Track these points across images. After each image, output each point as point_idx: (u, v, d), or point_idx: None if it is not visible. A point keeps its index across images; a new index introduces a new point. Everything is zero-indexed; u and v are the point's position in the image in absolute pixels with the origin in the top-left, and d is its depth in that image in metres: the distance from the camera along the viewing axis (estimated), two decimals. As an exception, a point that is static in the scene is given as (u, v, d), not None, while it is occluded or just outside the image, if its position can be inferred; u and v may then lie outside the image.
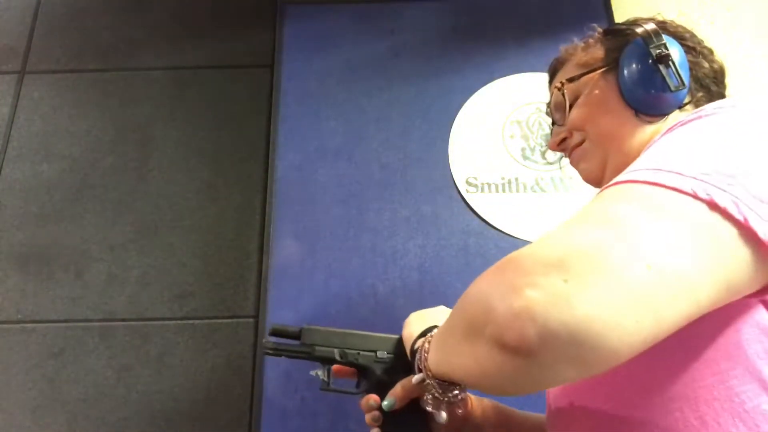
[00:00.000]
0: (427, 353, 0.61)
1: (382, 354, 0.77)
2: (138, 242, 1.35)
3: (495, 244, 1.30)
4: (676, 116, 0.69)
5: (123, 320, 1.28)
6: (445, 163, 1.39)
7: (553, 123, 0.81)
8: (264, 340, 0.85)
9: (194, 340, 1.26)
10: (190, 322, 1.28)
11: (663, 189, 0.44)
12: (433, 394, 0.62)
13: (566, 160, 0.81)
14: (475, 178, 1.37)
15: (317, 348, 0.79)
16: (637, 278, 0.40)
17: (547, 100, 0.84)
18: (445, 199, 1.35)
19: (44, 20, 1.58)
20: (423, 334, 0.67)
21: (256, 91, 1.48)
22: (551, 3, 1.53)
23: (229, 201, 1.38)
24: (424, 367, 0.61)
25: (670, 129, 0.55)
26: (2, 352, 1.26)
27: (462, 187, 1.36)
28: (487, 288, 0.46)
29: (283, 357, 0.81)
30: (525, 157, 1.39)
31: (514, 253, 0.46)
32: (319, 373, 0.80)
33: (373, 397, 0.73)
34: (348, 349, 0.79)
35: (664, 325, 0.41)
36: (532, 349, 0.40)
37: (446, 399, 0.62)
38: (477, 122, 1.42)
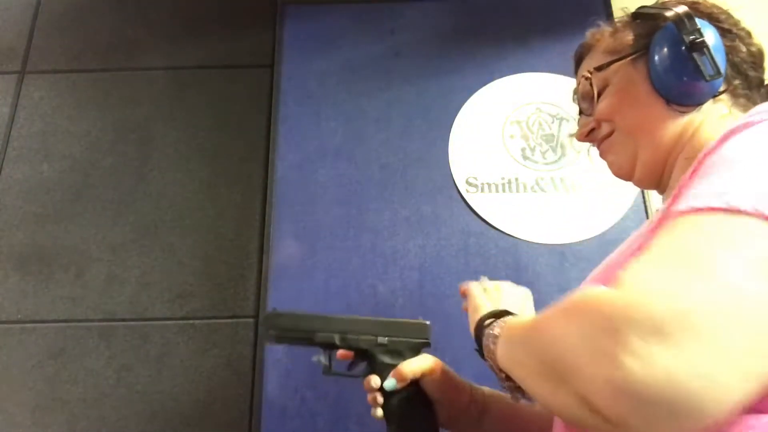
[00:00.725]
0: (494, 345, 0.62)
1: (383, 339, 0.79)
2: (138, 242, 1.35)
3: (495, 244, 1.30)
4: (710, 106, 0.66)
5: (123, 320, 1.28)
6: (445, 163, 1.38)
7: (580, 112, 0.77)
8: (263, 320, 0.86)
9: (194, 340, 1.26)
10: (190, 322, 1.28)
11: (746, 218, 0.42)
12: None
13: (594, 150, 0.79)
14: (475, 178, 1.37)
15: (317, 334, 0.81)
16: (735, 339, 0.38)
17: (574, 88, 0.81)
18: (445, 199, 1.35)
19: (44, 20, 1.58)
20: (494, 315, 0.68)
21: (256, 91, 1.48)
22: (551, 3, 1.53)
23: (229, 201, 1.38)
24: (491, 357, 0.63)
25: (725, 138, 0.52)
26: (2, 352, 1.26)
27: (462, 187, 1.36)
28: (577, 340, 0.42)
29: (284, 344, 0.83)
30: (525, 157, 1.39)
31: (604, 302, 0.42)
32: (321, 358, 0.81)
33: (374, 378, 0.76)
34: (348, 333, 0.80)
35: (764, 381, 0.39)
36: (627, 422, 0.38)
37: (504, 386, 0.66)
38: (477, 122, 1.42)
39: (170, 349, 1.25)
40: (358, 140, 1.42)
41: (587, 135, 0.76)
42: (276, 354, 1.23)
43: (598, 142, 0.75)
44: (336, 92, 1.47)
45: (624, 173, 0.73)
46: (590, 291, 0.44)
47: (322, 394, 1.20)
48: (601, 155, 0.76)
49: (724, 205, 0.43)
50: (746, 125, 0.51)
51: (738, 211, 0.43)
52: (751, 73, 0.68)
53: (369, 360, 0.79)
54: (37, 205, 1.39)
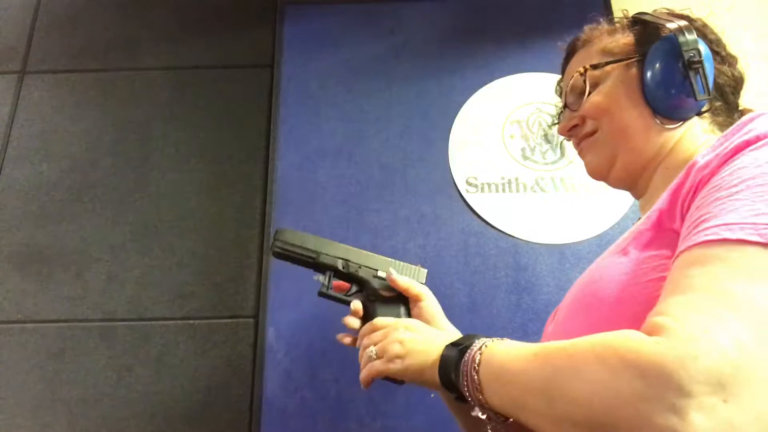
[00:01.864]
0: (478, 383, 0.57)
1: (382, 273, 0.84)
2: (138, 242, 1.35)
3: (495, 244, 1.30)
4: (693, 121, 0.67)
5: (123, 320, 1.28)
6: (445, 163, 1.38)
7: (565, 106, 0.77)
8: (274, 233, 0.88)
9: (194, 340, 1.26)
10: (190, 322, 1.28)
11: None
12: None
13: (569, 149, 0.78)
14: (475, 178, 1.37)
15: (322, 255, 0.86)
16: None
17: (560, 79, 0.81)
18: (445, 199, 1.35)
19: (44, 20, 1.58)
20: (462, 345, 0.62)
21: (256, 91, 1.48)
22: (551, 3, 1.53)
23: (229, 201, 1.38)
24: (476, 397, 0.57)
25: (734, 155, 0.51)
26: (2, 352, 1.26)
27: (462, 187, 1.36)
28: (627, 395, 0.41)
29: (289, 262, 0.87)
30: (525, 157, 1.39)
31: (655, 354, 0.41)
32: (321, 278, 0.86)
33: (356, 303, 0.82)
34: (351, 261, 0.85)
35: None
36: None
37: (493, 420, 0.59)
38: (477, 122, 1.42)
39: (170, 349, 1.25)
40: (358, 140, 1.42)
41: (569, 130, 0.76)
42: (276, 354, 1.23)
43: (579, 139, 0.76)
44: (336, 92, 1.47)
45: (599, 173, 0.74)
46: (631, 340, 0.43)
47: (322, 394, 1.20)
48: (579, 153, 0.77)
49: (761, 239, 0.43)
50: (759, 138, 0.51)
51: None
52: (731, 98, 0.70)
53: (365, 290, 0.84)
54: (37, 205, 1.39)
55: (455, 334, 0.73)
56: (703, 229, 0.47)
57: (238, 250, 1.33)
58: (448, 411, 0.81)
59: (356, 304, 0.83)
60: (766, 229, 0.44)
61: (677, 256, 0.49)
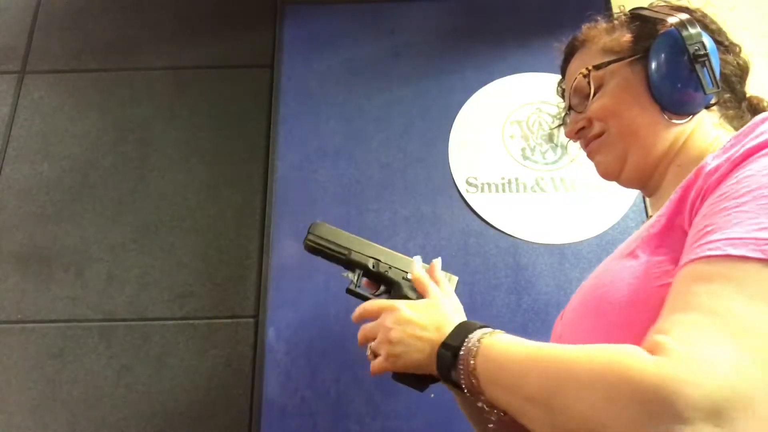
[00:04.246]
0: (475, 369, 0.57)
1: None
2: (138, 242, 1.35)
3: (495, 244, 1.30)
4: (702, 115, 0.67)
5: (123, 320, 1.28)
6: (445, 163, 1.38)
7: (569, 108, 0.76)
8: (310, 226, 0.87)
9: (194, 340, 1.26)
10: (190, 322, 1.28)
11: None
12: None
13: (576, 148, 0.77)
14: (475, 178, 1.37)
15: (354, 253, 0.85)
16: None
17: (560, 80, 0.80)
18: (445, 199, 1.35)
19: (44, 20, 1.58)
20: (454, 346, 0.61)
21: (256, 91, 1.48)
22: (551, 3, 1.53)
23: (229, 201, 1.38)
24: (478, 398, 0.58)
25: (743, 160, 0.50)
26: (2, 352, 1.26)
27: (462, 187, 1.36)
28: (625, 419, 0.41)
29: (320, 257, 0.86)
30: (525, 157, 1.39)
31: (653, 375, 0.41)
32: (350, 275, 0.85)
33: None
34: (381, 261, 0.84)
35: None
36: None
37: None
38: (477, 122, 1.42)
39: (170, 349, 1.25)
40: (358, 140, 1.42)
41: (577, 132, 0.75)
42: (276, 354, 1.23)
43: (587, 141, 0.74)
44: (336, 92, 1.47)
45: (611, 174, 0.73)
46: (632, 359, 0.43)
47: (322, 394, 1.20)
48: (589, 155, 0.76)
49: (763, 256, 0.43)
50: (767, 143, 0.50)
51: None
52: (738, 87, 0.69)
53: (393, 291, 0.82)
54: (37, 205, 1.39)
55: (451, 321, 0.68)
56: (708, 242, 0.47)
57: (238, 250, 1.33)
58: (448, 411, 0.81)
59: None
60: (767, 244, 0.44)
61: (681, 266, 0.49)
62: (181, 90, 1.49)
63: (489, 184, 1.36)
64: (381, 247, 0.86)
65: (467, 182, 1.36)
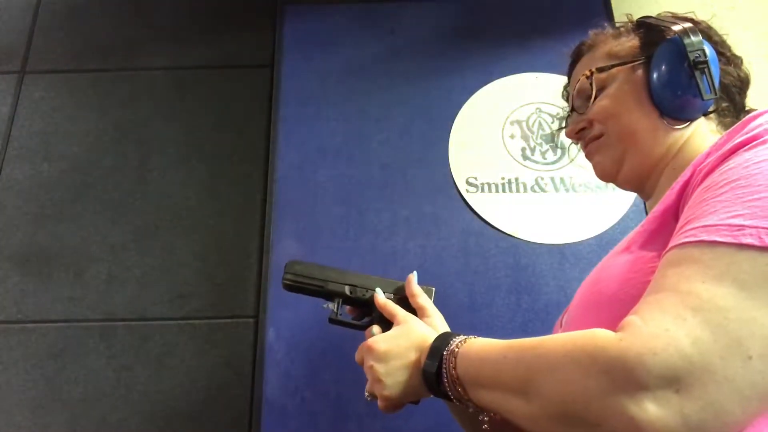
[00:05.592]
0: (458, 377, 0.60)
1: (389, 296, 0.84)
2: (138, 242, 1.35)
3: (495, 244, 1.30)
4: (700, 122, 0.68)
5: (123, 320, 1.28)
6: (445, 163, 1.38)
7: (572, 109, 0.78)
8: (285, 267, 0.89)
9: (194, 340, 1.26)
10: (190, 322, 1.28)
11: (755, 253, 0.44)
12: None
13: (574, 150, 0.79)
14: (475, 178, 1.37)
15: (329, 284, 0.87)
16: (739, 374, 0.41)
17: (566, 83, 0.82)
18: (445, 199, 1.35)
19: (44, 20, 1.58)
20: (434, 364, 0.63)
21: (256, 91, 1.48)
22: (551, 3, 1.53)
23: (229, 201, 1.38)
24: (467, 404, 0.60)
25: (730, 155, 0.52)
26: (2, 352, 1.26)
27: (462, 187, 1.36)
28: (595, 390, 0.45)
29: (300, 294, 0.87)
30: (525, 157, 1.39)
31: (617, 349, 0.45)
32: (330, 305, 0.87)
33: (375, 328, 0.79)
34: (358, 287, 0.86)
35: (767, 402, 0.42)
36: None
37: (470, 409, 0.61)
38: (477, 122, 1.42)
39: (170, 349, 1.25)
40: (358, 140, 1.42)
41: (577, 133, 0.77)
42: (276, 354, 1.23)
43: (586, 142, 0.76)
44: (336, 92, 1.47)
45: (608, 175, 0.75)
46: (598, 338, 0.47)
47: (322, 394, 1.20)
48: (587, 156, 0.78)
49: (734, 240, 0.45)
50: (755, 138, 0.51)
51: (750, 246, 0.44)
52: (737, 98, 0.71)
53: (375, 313, 0.83)
54: (37, 205, 1.39)
55: (428, 338, 0.69)
56: (686, 231, 0.49)
57: (238, 250, 1.33)
58: (447, 412, 0.82)
59: (376, 329, 0.80)
60: (739, 230, 0.45)
61: (663, 255, 0.52)
62: (181, 90, 1.49)
63: (489, 184, 1.36)
64: (357, 272, 0.88)
65: (467, 182, 1.36)
